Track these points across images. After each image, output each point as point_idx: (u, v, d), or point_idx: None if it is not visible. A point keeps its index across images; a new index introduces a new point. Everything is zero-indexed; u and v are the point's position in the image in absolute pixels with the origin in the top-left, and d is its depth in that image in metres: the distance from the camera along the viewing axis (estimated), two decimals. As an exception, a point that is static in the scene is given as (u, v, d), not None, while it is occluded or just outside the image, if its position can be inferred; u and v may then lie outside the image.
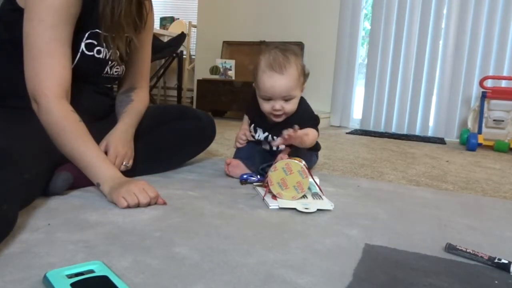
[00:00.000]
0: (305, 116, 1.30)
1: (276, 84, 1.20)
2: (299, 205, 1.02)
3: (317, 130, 1.32)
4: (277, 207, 1.02)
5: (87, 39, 1.08)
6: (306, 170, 1.08)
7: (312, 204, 1.03)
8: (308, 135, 1.24)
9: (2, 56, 1.06)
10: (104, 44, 1.11)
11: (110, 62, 1.16)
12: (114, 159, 1.10)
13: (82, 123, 1.02)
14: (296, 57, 1.24)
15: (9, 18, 1.03)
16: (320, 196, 1.11)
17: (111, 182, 0.98)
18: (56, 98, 0.99)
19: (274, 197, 1.07)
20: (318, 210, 1.01)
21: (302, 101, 1.31)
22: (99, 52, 1.11)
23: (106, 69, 1.16)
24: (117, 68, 1.19)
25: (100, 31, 1.09)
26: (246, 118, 1.42)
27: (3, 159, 0.78)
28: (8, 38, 1.04)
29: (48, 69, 0.99)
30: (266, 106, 1.25)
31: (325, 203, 1.06)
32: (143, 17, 1.21)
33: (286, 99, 1.22)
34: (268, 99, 1.23)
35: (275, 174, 1.07)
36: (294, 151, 1.26)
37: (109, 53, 1.14)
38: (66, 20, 1.00)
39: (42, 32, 0.97)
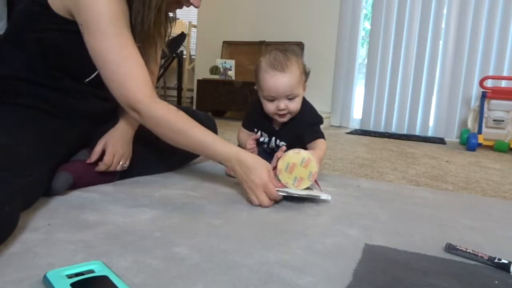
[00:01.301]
0: (309, 116, 1.31)
1: (279, 82, 1.20)
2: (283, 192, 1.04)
3: (322, 133, 1.33)
4: None
5: None
6: (315, 177, 1.09)
7: (298, 191, 1.05)
8: (322, 154, 1.26)
9: (20, 55, 1.04)
10: None
11: None
12: (112, 158, 1.10)
13: (180, 111, 1.07)
14: (297, 56, 1.25)
15: (38, 20, 1.02)
16: (311, 189, 1.11)
17: (232, 163, 1.05)
18: (151, 99, 1.03)
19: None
20: (312, 200, 1.05)
21: (305, 101, 1.31)
22: None
23: None
24: None
25: None
26: (244, 130, 1.40)
27: (6, 161, 0.78)
28: (33, 39, 1.02)
29: (130, 77, 1.01)
30: (270, 107, 1.25)
31: (314, 192, 1.07)
32: (169, 27, 1.21)
33: (290, 98, 1.23)
34: (272, 99, 1.24)
35: (293, 156, 1.08)
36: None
37: None
38: (124, 26, 1.01)
39: (109, 44, 0.98)
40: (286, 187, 1.07)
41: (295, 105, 1.25)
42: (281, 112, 1.24)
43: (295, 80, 1.21)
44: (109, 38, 0.99)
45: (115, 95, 1.03)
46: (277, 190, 1.02)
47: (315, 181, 1.13)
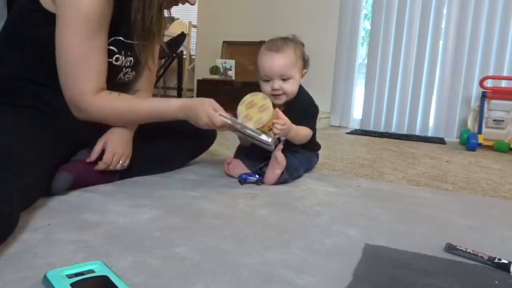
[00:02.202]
0: (307, 106, 1.35)
1: (274, 61, 1.27)
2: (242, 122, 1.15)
3: (314, 123, 1.36)
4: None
5: (109, 45, 1.09)
6: (260, 126, 1.15)
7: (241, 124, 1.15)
8: (298, 130, 1.28)
9: (18, 55, 1.05)
10: (123, 52, 1.12)
11: (124, 69, 1.16)
12: (112, 157, 1.10)
13: (122, 94, 1.13)
14: (296, 43, 1.31)
15: (31, 17, 1.02)
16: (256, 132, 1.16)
17: (183, 114, 1.13)
18: (93, 96, 1.06)
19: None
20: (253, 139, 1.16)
21: (304, 91, 1.36)
22: (117, 59, 1.12)
23: (120, 75, 1.17)
24: (129, 74, 1.19)
25: (123, 39, 1.10)
26: None
27: (6, 161, 0.79)
28: (28, 37, 1.03)
29: (83, 77, 1.03)
30: (266, 87, 1.30)
31: (256, 133, 1.14)
32: (165, 25, 1.22)
33: (284, 78, 1.27)
34: (267, 79, 1.29)
35: (259, 98, 1.18)
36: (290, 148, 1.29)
37: (125, 61, 1.15)
38: (100, 28, 1.02)
39: (77, 43, 1.00)
40: (237, 118, 1.17)
41: (289, 86, 1.28)
42: (276, 93, 1.29)
43: (289, 61, 1.27)
44: (79, 37, 0.99)
45: (62, 90, 1.05)
46: (220, 115, 1.11)
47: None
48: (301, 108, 1.32)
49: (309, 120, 1.34)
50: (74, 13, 0.97)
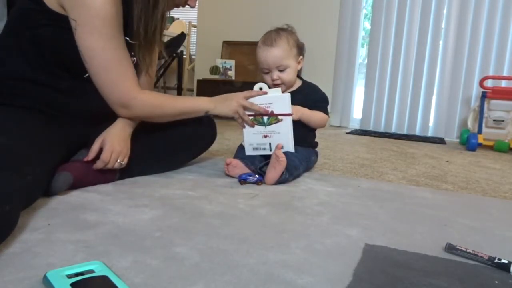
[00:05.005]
0: (320, 95, 1.46)
1: (268, 55, 1.35)
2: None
3: (327, 112, 1.44)
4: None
5: None
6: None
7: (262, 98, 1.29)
8: (314, 112, 1.38)
9: (19, 55, 1.04)
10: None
11: None
12: (110, 155, 1.10)
13: (160, 93, 1.27)
14: (289, 33, 1.39)
15: (32, 17, 1.02)
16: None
17: (213, 105, 1.26)
18: (139, 93, 1.13)
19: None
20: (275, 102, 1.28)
21: (314, 85, 1.48)
22: None
23: None
24: None
25: (128, 39, 1.10)
26: None
27: (6, 161, 0.78)
28: (29, 37, 1.02)
29: (124, 77, 1.08)
30: (266, 78, 1.40)
31: (276, 93, 1.29)
32: (164, 29, 1.23)
33: (281, 69, 1.36)
34: (267, 72, 1.38)
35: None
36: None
37: None
38: (119, 28, 1.05)
39: (106, 44, 1.02)
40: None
41: (286, 76, 1.38)
42: (275, 82, 1.37)
43: (283, 53, 1.35)
44: (104, 39, 1.01)
45: (106, 93, 1.08)
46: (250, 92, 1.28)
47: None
48: (316, 99, 1.43)
49: (323, 108, 1.43)
50: (92, 15, 0.98)
